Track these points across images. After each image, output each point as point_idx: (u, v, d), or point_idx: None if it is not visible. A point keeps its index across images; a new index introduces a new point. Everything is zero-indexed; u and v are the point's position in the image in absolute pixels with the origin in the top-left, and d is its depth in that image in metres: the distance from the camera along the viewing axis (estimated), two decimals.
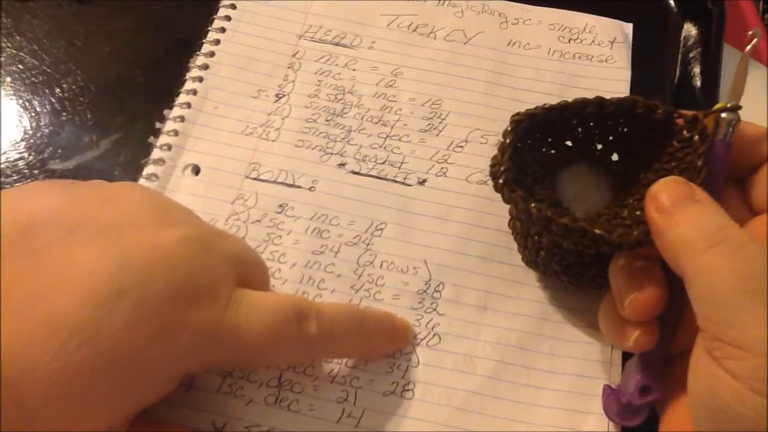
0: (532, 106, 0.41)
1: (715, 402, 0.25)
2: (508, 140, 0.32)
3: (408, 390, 0.34)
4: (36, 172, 0.40)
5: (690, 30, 0.45)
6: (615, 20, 0.45)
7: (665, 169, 0.32)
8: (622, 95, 0.34)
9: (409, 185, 0.39)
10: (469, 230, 0.38)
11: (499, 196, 0.38)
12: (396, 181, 0.40)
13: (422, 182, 0.40)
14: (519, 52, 0.44)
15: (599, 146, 0.35)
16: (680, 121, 0.32)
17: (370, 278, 0.37)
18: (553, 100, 0.41)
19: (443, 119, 0.41)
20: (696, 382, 0.27)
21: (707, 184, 0.30)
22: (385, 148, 0.40)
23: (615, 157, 0.35)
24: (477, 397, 0.34)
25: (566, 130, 0.34)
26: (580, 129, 0.34)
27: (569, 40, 0.44)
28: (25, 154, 0.41)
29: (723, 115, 0.31)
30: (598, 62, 0.43)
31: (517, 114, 0.32)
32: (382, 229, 0.38)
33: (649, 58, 0.44)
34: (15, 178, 0.40)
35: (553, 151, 0.35)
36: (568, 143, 0.35)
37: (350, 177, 0.40)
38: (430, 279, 0.37)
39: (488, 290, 0.36)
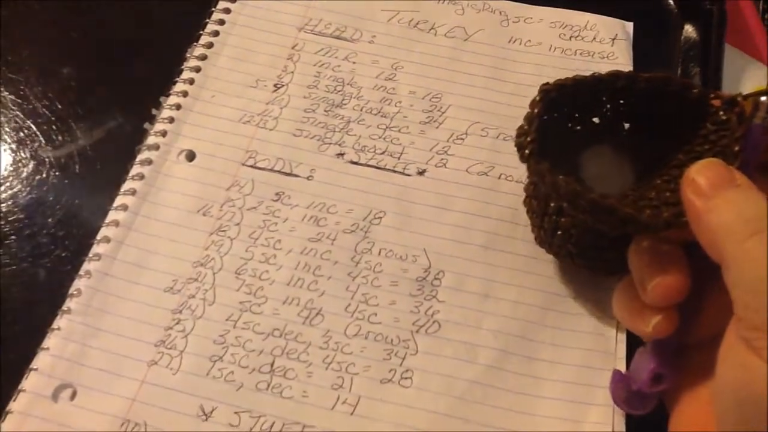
0: (537, 99, 0.41)
1: (748, 395, 0.24)
2: (535, 110, 0.31)
3: (406, 378, 0.33)
4: (27, 160, 0.39)
5: (690, 30, 0.45)
6: (616, 19, 0.45)
7: (696, 151, 0.31)
8: None
9: (409, 175, 0.39)
10: (470, 220, 0.37)
11: (499, 186, 0.38)
12: (395, 171, 0.39)
13: (422, 172, 0.39)
14: (520, 48, 0.44)
15: (626, 125, 0.34)
16: (716, 102, 0.31)
17: (368, 265, 0.36)
18: None
19: (443, 112, 0.41)
20: (727, 374, 0.25)
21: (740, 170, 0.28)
22: (384, 138, 0.40)
23: (639, 135, 0.34)
24: (478, 387, 0.33)
25: (594, 105, 0.33)
26: (608, 105, 0.33)
27: (570, 38, 0.44)
28: (17, 143, 0.40)
29: (762, 98, 0.29)
30: (599, 59, 0.43)
31: (547, 84, 0.31)
32: (380, 218, 0.37)
33: (649, 58, 0.44)
34: (4, 165, 0.39)
35: (578, 127, 0.33)
36: (595, 120, 0.33)
37: (349, 167, 0.39)
38: (429, 267, 0.36)
39: (490, 278, 0.35)
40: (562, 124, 0.33)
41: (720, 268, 0.26)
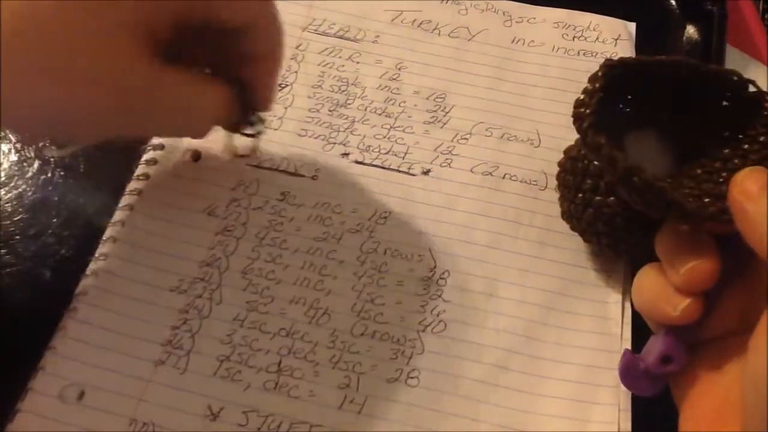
0: (538, 101, 0.42)
1: None
2: (597, 85, 0.31)
3: (413, 377, 0.33)
4: (31, 160, 0.39)
5: (691, 31, 0.46)
6: (618, 19, 0.45)
7: (743, 149, 0.32)
8: None
9: (413, 175, 0.39)
10: (475, 219, 0.37)
11: (503, 186, 0.39)
12: (400, 171, 0.39)
13: (426, 172, 0.39)
14: (523, 48, 0.44)
15: (674, 114, 0.34)
16: None
17: (374, 265, 0.36)
18: (559, 96, 0.42)
19: (447, 112, 0.41)
20: (766, 365, 0.25)
21: None
22: (388, 138, 0.40)
23: (684, 123, 0.34)
24: (484, 386, 0.33)
25: (647, 90, 0.33)
26: (660, 92, 0.33)
27: (573, 38, 0.44)
28: (22, 142, 0.40)
29: None
30: (602, 59, 0.41)
31: (610, 59, 0.32)
32: (385, 218, 0.37)
33: None
34: (9, 165, 0.39)
35: (627, 109, 0.34)
36: (644, 105, 0.34)
37: (353, 166, 0.39)
38: (435, 266, 0.36)
39: (495, 278, 0.36)
40: (613, 105, 0.33)
41: (743, 266, 0.27)
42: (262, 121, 0.36)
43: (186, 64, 0.32)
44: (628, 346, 0.34)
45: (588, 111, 0.30)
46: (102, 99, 0.29)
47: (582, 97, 0.31)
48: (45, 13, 0.27)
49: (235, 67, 0.34)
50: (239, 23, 0.32)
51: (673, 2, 0.47)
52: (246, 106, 0.35)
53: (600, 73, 0.31)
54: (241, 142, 0.38)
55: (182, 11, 0.30)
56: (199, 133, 0.35)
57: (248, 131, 0.36)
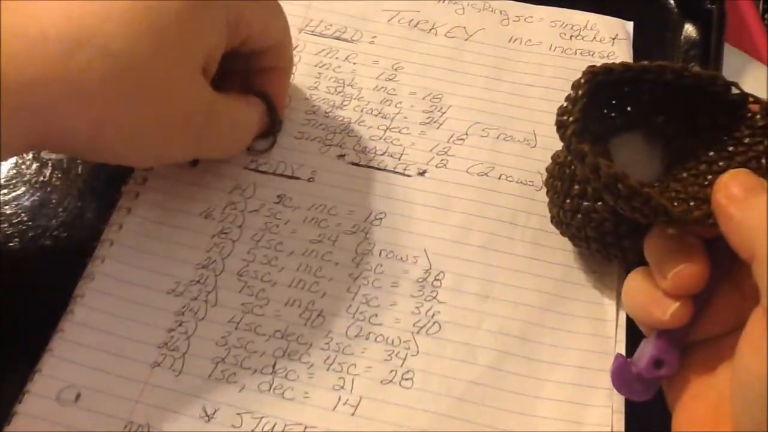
0: (535, 101, 0.42)
1: None
2: (580, 92, 0.30)
3: (407, 379, 0.33)
4: (30, 162, 0.40)
5: (690, 30, 0.45)
6: (616, 18, 0.45)
7: (728, 152, 0.32)
8: None
9: (409, 176, 0.39)
10: (470, 220, 0.37)
11: (499, 187, 0.39)
12: (396, 172, 0.39)
13: (422, 173, 0.39)
14: (520, 48, 0.44)
15: (660, 117, 0.34)
16: (754, 107, 0.31)
17: (369, 266, 0.36)
18: (556, 95, 0.42)
19: (444, 113, 0.41)
20: (756, 366, 0.25)
21: None
22: (384, 139, 0.40)
23: (670, 127, 0.34)
24: (478, 388, 0.33)
25: (632, 94, 0.33)
26: (647, 95, 0.33)
27: (570, 37, 0.44)
28: None
29: None
30: (600, 58, 0.43)
31: (593, 66, 0.31)
32: (381, 219, 0.37)
33: (649, 58, 0.43)
34: (7, 168, 0.39)
35: (612, 114, 0.34)
36: (630, 108, 0.34)
37: (350, 168, 0.39)
38: (430, 268, 0.36)
39: (490, 279, 0.36)
40: (598, 109, 0.33)
41: (732, 268, 0.28)
42: (281, 123, 0.39)
43: (223, 86, 0.34)
44: (622, 349, 0.34)
45: (571, 119, 0.30)
46: (170, 128, 0.32)
47: (565, 104, 0.31)
48: (145, 50, 0.29)
49: (260, 81, 0.37)
50: (272, 43, 0.36)
51: (672, 1, 0.47)
52: (273, 115, 0.38)
53: (583, 80, 0.31)
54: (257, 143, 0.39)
55: (234, 44, 0.34)
56: (242, 149, 0.37)
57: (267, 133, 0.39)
